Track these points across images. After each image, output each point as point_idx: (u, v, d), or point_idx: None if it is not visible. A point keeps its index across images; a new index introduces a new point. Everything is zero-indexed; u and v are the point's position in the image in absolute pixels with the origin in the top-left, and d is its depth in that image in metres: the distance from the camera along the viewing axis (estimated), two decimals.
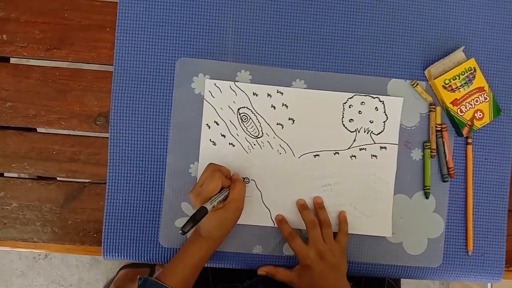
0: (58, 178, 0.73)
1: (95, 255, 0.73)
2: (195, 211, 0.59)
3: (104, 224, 0.71)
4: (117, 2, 0.71)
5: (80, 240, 0.73)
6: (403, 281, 0.93)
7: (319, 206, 0.71)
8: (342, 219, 0.71)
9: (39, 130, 0.73)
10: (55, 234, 0.72)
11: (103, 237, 0.71)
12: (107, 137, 0.71)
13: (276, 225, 0.71)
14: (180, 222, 0.71)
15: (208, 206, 0.59)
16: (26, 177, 0.73)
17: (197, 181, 0.66)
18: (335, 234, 0.70)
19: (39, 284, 1.54)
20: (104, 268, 1.53)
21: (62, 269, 1.54)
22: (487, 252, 0.74)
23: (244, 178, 0.71)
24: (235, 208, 0.64)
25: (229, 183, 0.66)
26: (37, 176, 0.73)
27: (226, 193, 0.64)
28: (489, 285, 1.25)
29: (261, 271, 0.71)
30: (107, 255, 0.71)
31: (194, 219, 0.57)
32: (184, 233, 0.56)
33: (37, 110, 0.72)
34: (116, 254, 0.71)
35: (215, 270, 0.79)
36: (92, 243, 0.73)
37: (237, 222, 0.67)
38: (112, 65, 0.71)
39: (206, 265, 0.72)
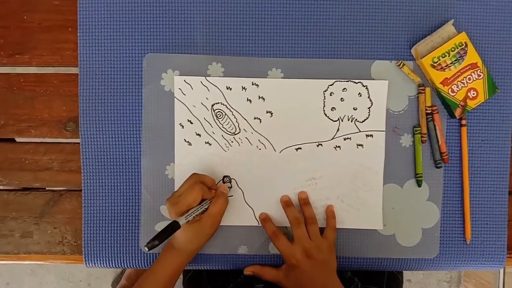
0: (34, 188, 0.71)
1: (78, 263, 0.71)
2: (167, 224, 0.56)
3: (83, 232, 0.69)
4: (76, 0, 0.66)
5: (61, 250, 0.71)
6: None
7: (303, 202, 0.67)
8: (329, 213, 0.67)
9: (10, 140, 0.71)
10: (36, 245, 0.71)
11: (83, 245, 0.69)
12: (79, 143, 0.68)
13: (260, 224, 0.68)
14: (160, 226, 0.68)
15: (182, 221, 0.56)
16: (1, 188, 0.71)
17: (176, 188, 0.63)
18: (322, 229, 0.66)
19: (49, 282, 1.57)
20: None
21: (70, 266, 1.56)
22: (487, 240, 0.69)
23: (224, 177, 0.68)
24: (211, 224, 0.61)
25: (212, 195, 0.63)
26: (12, 187, 0.71)
27: (206, 207, 0.61)
28: (501, 273, 1.22)
29: (247, 271, 0.69)
30: (89, 263, 0.69)
31: (161, 236, 0.54)
32: (148, 250, 0.53)
33: (5, 119, 0.69)
34: (98, 262, 0.69)
35: None
36: (74, 252, 0.71)
37: (220, 223, 0.64)
38: (77, 66, 0.67)
39: (192, 267, 0.70)
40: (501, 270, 1.29)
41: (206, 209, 0.61)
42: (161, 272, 0.61)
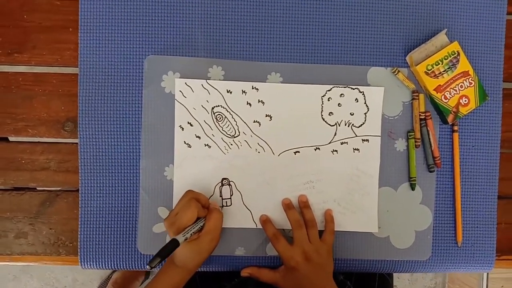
0: (29, 188, 0.70)
1: (73, 265, 0.70)
2: (166, 243, 0.56)
3: (79, 233, 0.68)
4: (78, 0, 0.67)
5: (56, 251, 0.70)
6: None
7: (304, 205, 0.68)
8: (328, 218, 0.68)
9: (6, 139, 0.70)
10: (30, 246, 0.70)
11: (79, 247, 0.68)
12: (77, 143, 0.68)
13: (258, 226, 0.69)
14: (158, 227, 0.68)
15: (180, 239, 0.57)
16: None
17: (173, 208, 0.63)
18: (320, 232, 0.67)
19: (33, 287, 1.53)
20: None
21: (55, 271, 1.52)
22: (477, 242, 0.71)
23: (223, 180, 0.68)
24: (210, 240, 0.62)
25: (206, 213, 0.63)
26: (7, 187, 0.70)
27: (202, 224, 0.61)
28: (484, 275, 1.24)
29: (244, 273, 0.69)
30: (84, 265, 0.69)
31: (163, 254, 0.55)
32: (151, 268, 0.54)
33: (2, 118, 0.68)
34: (94, 263, 0.69)
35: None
36: (69, 253, 0.70)
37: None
38: (77, 67, 0.67)
39: None
40: (485, 276, 1.32)
41: (202, 226, 0.61)
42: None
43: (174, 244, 0.56)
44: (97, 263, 0.69)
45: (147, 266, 0.54)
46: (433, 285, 1.58)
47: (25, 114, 0.69)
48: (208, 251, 0.63)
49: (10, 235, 0.70)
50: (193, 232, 0.59)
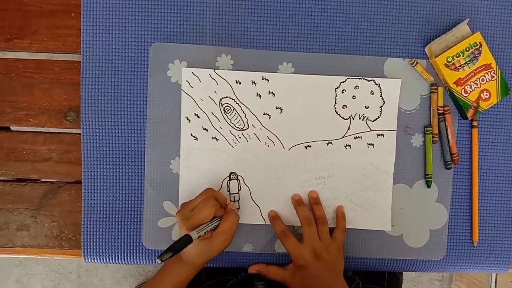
0: (31, 179, 0.68)
1: (76, 258, 0.69)
2: (178, 238, 0.54)
3: (82, 226, 0.66)
4: None
5: (59, 244, 0.68)
6: None
7: (314, 201, 0.66)
8: (339, 215, 0.66)
9: (6, 128, 0.68)
10: (32, 239, 0.68)
11: (82, 240, 0.67)
12: (80, 133, 0.66)
13: (266, 223, 0.66)
14: (163, 222, 0.66)
15: (194, 236, 0.55)
16: None
17: (187, 202, 0.60)
18: (331, 229, 0.65)
19: (38, 273, 1.53)
20: None
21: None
22: (493, 242, 0.69)
23: (231, 174, 0.66)
24: (223, 241, 0.60)
25: (223, 213, 0.61)
26: (9, 178, 0.68)
27: (217, 223, 0.59)
28: (493, 275, 1.22)
29: (252, 270, 0.68)
30: (88, 259, 0.67)
31: (175, 249, 0.53)
32: (161, 261, 0.52)
33: (2, 107, 0.66)
34: (98, 257, 0.67)
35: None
36: (72, 246, 0.68)
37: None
38: (80, 54, 0.64)
39: None
40: None
41: (216, 226, 0.59)
42: (167, 283, 0.60)
43: (187, 240, 0.54)
44: (101, 257, 0.67)
45: (158, 260, 0.52)
46: (440, 277, 1.57)
47: (25, 103, 0.66)
48: (218, 251, 0.61)
49: (12, 227, 0.68)
50: (207, 231, 0.57)
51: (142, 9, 0.64)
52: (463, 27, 0.65)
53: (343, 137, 0.65)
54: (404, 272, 1.52)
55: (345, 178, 0.66)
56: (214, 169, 0.65)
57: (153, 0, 0.64)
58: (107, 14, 0.64)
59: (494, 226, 0.69)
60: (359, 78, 0.65)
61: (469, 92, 0.65)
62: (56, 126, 0.67)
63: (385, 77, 0.65)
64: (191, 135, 0.65)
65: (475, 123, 0.67)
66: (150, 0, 0.64)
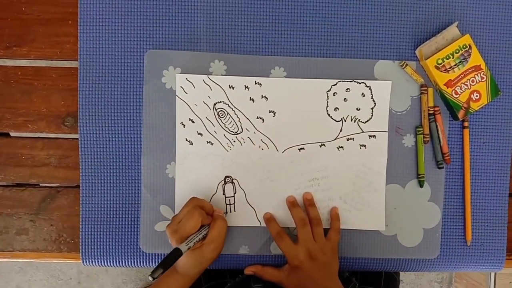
0: (30, 184, 0.69)
1: (75, 261, 0.70)
2: (169, 252, 0.55)
3: (80, 230, 0.68)
4: None
5: (58, 248, 0.69)
6: None
7: (309, 203, 0.67)
8: (334, 216, 0.67)
9: (6, 134, 0.69)
10: (31, 243, 0.69)
11: (80, 244, 0.68)
12: (78, 139, 0.67)
13: (262, 225, 0.67)
14: (160, 226, 0.67)
15: (183, 248, 0.55)
16: None
17: (175, 215, 0.61)
18: (325, 230, 0.66)
19: (38, 279, 1.54)
20: None
21: (60, 263, 1.53)
22: (487, 241, 0.70)
23: (226, 177, 0.67)
24: (213, 249, 0.61)
25: (210, 220, 0.62)
26: (8, 183, 0.69)
27: (205, 232, 0.60)
28: (492, 274, 1.22)
29: (248, 271, 0.68)
30: (86, 262, 0.68)
31: (166, 264, 0.54)
32: (153, 279, 0.52)
33: (1, 113, 0.67)
34: (96, 261, 0.68)
35: None
36: (71, 250, 0.69)
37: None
38: (77, 61, 0.66)
39: None
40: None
41: (206, 234, 0.60)
42: None
43: (177, 253, 0.55)
44: (99, 260, 0.68)
45: (149, 278, 0.53)
46: (439, 279, 1.57)
47: (24, 109, 0.67)
48: (211, 260, 0.62)
49: (11, 232, 0.69)
50: (196, 241, 0.58)
51: (137, 17, 0.65)
52: (453, 30, 0.66)
53: (335, 139, 0.67)
54: (403, 274, 1.53)
55: (338, 179, 0.67)
56: (209, 173, 0.66)
57: (147, 9, 0.65)
58: (103, 22, 0.65)
59: (487, 225, 0.70)
60: (350, 81, 0.66)
61: (459, 93, 0.66)
62: (55, 132, 0.68)
63: (376, 79, 0.66)
64: (186, 140, 0.66)
65: (466, 124, 0.68)
66: (145, 8, 0.65)
